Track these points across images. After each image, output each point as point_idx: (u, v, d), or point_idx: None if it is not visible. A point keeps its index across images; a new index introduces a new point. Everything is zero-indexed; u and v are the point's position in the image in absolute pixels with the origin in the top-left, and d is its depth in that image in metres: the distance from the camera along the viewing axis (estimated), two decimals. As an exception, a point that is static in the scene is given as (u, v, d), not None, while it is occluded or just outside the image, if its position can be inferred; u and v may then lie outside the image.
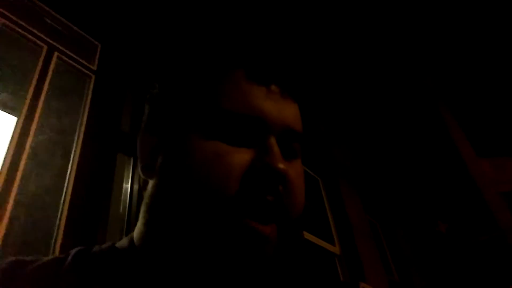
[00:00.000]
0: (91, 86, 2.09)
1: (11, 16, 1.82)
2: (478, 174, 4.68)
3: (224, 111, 0.44)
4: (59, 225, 1.58)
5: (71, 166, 1.77)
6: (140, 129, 0.53)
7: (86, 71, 2.12)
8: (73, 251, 0.46)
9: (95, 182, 1.83)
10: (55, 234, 1.56)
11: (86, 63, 2.14)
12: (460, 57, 4.34)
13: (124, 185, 2.06)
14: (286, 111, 0.47)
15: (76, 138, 1.87)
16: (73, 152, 1.82)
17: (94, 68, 2.17)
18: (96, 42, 2.28)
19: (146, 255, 0.46)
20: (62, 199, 1.66)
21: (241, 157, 0.42)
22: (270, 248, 0.41)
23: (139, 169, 0.50)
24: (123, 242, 0.50)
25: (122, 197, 2.01)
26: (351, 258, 3.60)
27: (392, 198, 5.41)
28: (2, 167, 1.47)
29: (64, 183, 1.71)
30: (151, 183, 0.48)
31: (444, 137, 4.86)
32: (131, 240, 0.49)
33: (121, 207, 1.97)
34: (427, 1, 3.61)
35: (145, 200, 0.48)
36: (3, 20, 1.76)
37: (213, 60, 0.49)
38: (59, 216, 1.61)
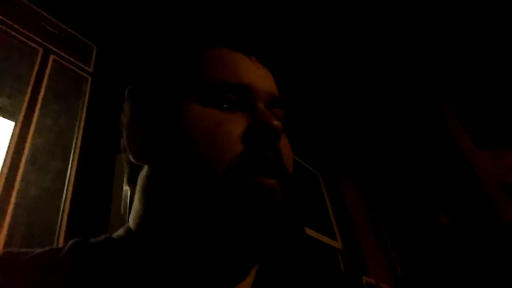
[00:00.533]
0: (88, 88, 2.09)
1: (6, 20, 1.82)
2: (478, 166, 4.68)
3: (215, 82, 0.46)
4: (60, 226, 1.58)
5: (71, 168, 1.77)
6: (124, 124, 0.54)
7: (83, 73, 2.12)
8: (69, 242, 0.46)
9: (95, 183, 1.83)
10: (56, 235, 1.56)
11: (82, 65, 2.14)
12: (457, 50, 4.34)
13: (124, 186, 2.06)
14: (267, 79, 0.51)
15: (74, 140, 1.87)
16: (72, 154, 1.82)
17: (91, 70, 2.17)
18: (91, 44, 2.28)
19: (145, 240, 0.46)
20: (63, 201, 1.66)
21: (238, 121, 0.44)
22: (276, 203, 0.42)
23: (129, 157, 0.50)
24: (119, 232, 0.51)
25: (123, 197, 2.01)
26: (353, 253, 3.60)
27: (393, 192, 5.41)
28: (1, 171, 1.47)
29: (64, 185, 1.71)
30: (146, 167, 0.49)
31: (443, 130, 4.86)
32: (128, 229, 0.49)
33: (122, 207, 1.97)
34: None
35: (141, 184, 0.49)
36: (-2, 25, 1.76)
37: (196, 40, 0.52)
38: (60, 218, 1.61)
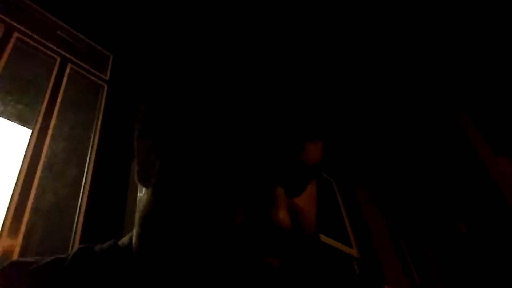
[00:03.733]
0: (104, 96, 2.12)
1: (25, 30, 1.86)
2: (496, 172, 4.58)
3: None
4: (75, 233, 1.60)
5: (86, 175, 1.79)
6: (136, 132, 0.48)
7: (99, 81, 2.16)
8: (73, 250, 0.46)
9: (110, 190, 1.85)
10: (71, 242, 1.58)
11: (98, 74, 2.17)
12: (473, 55, 4.28)
13: (138, 193, 2.07)
14: (312, 150, 0.40)
15: (90, 147, 1.90)
16: (87, 161, 1.84)
17: (107, 78, 2.21)
18: (107, 53, 2.32)
19: (140, 260, 0.43)
20: (78, 207, 1.68)
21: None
22: (272, 276, 0.36)
23: (134, 175, 0.46)
24: (125, 239, 0.49)
25: (137, 204, 2.03)
26: (369, 260, 3.55)
27: (410, 200, 5.33)
28: (18, 177, 1.50)
29: (80, 192, 1.73)
30: (146, 192, 0.44)
31: (460, 137, 4.78)
32: (131, 238, 0.47)
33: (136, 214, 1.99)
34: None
35: (138, 210, 0.44)
36: (17, 34, 1.80)
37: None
38: (75, 225, 1.63)
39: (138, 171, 0.45)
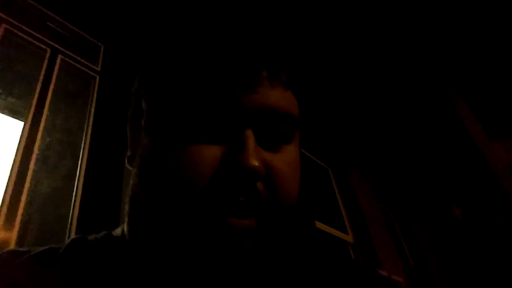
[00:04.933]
0: (96, 87, 2.10)
1: (13, 21, 1.84)
2: (491, 157, 4.62)
3: (197, 102, 0.40)
4: (70, 225, 1.60)
5: (80, 167, 1.79)
6: (128, 113, 0.52)
7: (90, 72, 2.14)
8: (68, 240, 0.47)
9: (105, 181, 1.85)
10: (66, 234, 1.58)
11: (90, 64, 2.16)
12: (467, 40, 4.27)
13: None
14: (271, 94, 0.41)
15: (83, 138, 1.89)
16: (81, 153, 1.84)
17: (98, 69, 2.19)
18: (99, 43, 2.30)
19: (133, 246, 0.45)
20: (73, 199, 1.68)
21: (212, 153, 0.39)
22: (250, 241, 0.40)
23: (126, 160, 0.50)
24: (118, 230, 0.50)
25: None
26: (365, 246, 3.60)
27: (404, 185, 5.37)
28: (11, 170, 1.50)
29: (74, 184, 1.73)
30: (132, 173, 0.47)
31: (455, 121, 4.80)
32: (123, 227, 0.49)
33: (131, 205, 1.99)
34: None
35: (128, 191, 0.47)
36: (6, 26, 1.78)
37: (202, 60, 0.43)
38: (70, 217, 1.63)
39: (128, 155, 0.49)
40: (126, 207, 0.46)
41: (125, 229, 0.48)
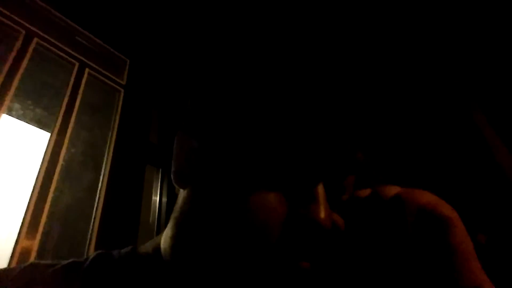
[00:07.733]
0: (121, 100, 2.14)
1: (44, 35, 1.89)
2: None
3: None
4: (91, 236, 1.61)
5: (102, 178, 1.81)
6: (178, 129, 0.47)
7: (116, 86, 2.18)
8: (92, 255, 0.46)
9: (126, 193, 1.87)
10: (87, 245, 1.59)
11: (115, 78, 2.20)
12: (492, 60, 4.21)
13: (153, 196, 2.09)
14: None
15: (106, 150, 1.92)
16: (104, 165, 1.86)
17: (123, 82, 2.23)
18: (125, 58, 2.35)
19: (172, 265, 0.41)
20: (94, 210, 1.70)
21: (279, 200, 0.37)
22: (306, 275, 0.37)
23: (172, 176, 0.45)
24: (147, 247, 0.47)
25: (152, 207, 2.04)
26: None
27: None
28: (36, 180, 1.52)
29: (96, 195, 1.75)
30: (182, 193, 0.43)
31: (480, 143, 4.69)
32: (157, 247, 0.45)
33: (151, 217, 2.00)
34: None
35: (174, 213, 0.43)
36: (37, 40, 1.84)
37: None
38: (91, 228, 1.64)
39: (176, 172, 0.44)
40: (171, 230, 0.42)
41: (164, 249, 0.44)
